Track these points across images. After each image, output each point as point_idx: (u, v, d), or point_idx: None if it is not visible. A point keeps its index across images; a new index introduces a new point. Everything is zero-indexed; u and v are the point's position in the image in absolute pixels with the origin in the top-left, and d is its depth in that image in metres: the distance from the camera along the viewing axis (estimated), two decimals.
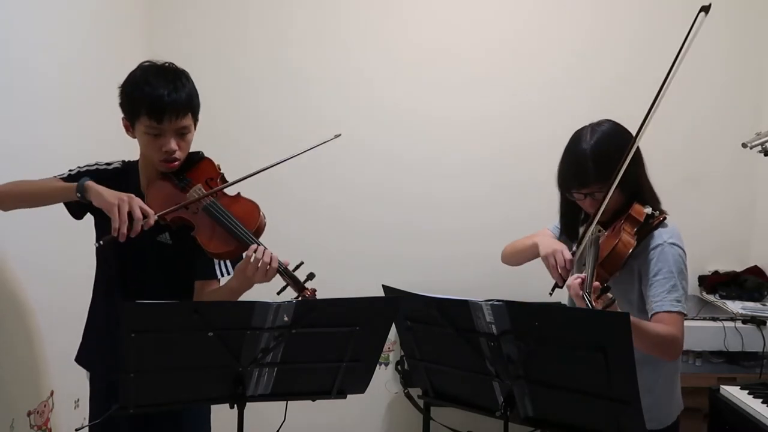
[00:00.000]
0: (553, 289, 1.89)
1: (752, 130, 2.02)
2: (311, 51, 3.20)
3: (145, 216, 1.70)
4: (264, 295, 1.79)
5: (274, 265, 1.76)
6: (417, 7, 3.21)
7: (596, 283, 1.65)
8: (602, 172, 1.83)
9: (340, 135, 1.88)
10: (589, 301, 1.61)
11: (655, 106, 1.81)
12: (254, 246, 1.77)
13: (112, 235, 1.68)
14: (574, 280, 1.72)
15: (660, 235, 1.87)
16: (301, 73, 3.21)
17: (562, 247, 1.93)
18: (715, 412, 2.40)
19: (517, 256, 2.21)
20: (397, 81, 3.21)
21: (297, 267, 1.80)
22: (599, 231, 1.85)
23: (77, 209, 1.91)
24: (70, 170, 1.92)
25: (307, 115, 3.22)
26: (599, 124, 1.94)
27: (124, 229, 1.67)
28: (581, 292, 1.65)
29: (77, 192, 1.74)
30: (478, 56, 3.21)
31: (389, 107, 3.22)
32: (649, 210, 1.86)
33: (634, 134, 1.85)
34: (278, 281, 1.80)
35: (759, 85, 3.24)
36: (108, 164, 1.95)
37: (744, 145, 1.92)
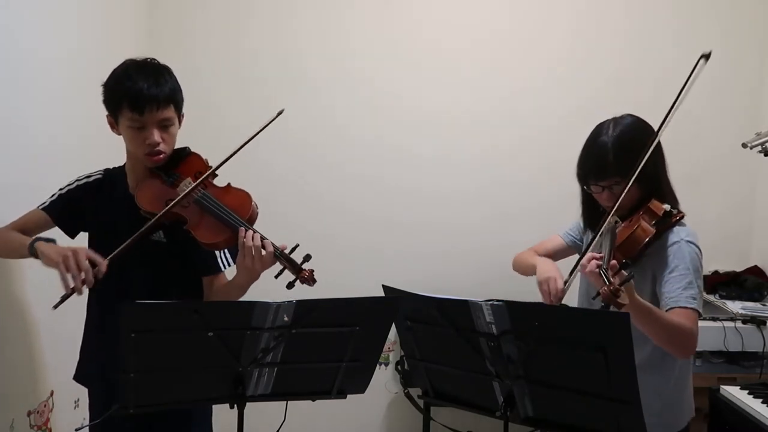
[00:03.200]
0: None
1: (752, 130, 2.02)
2: (315, 49, 3.21)
3: (94, 265, 1.68)
4: (263, 280, 1.81)
5: (269, 249, 1.76)
6: (418, 6, 3.21)
7: (614, 262, 1.65)
8: (622, 165, 1.83)
9: (282, 111, 1.88)
10: (606, 276, 1.59)
11: (676, 105, 1.85)
12: (243, 231, 1.77)
13: (66, 293, 1.66)
14: (589, 258, 1.70)
15: (678, 233, 1.86)
16: (305, 71, 3.21)
17: (556, 275, 1.95)
18: (715, 412, 2.40)
19: (522, 269, 2.25)
20: (401, 78, 3.22)
21: (293, 250, 1.80)
22: (616, 222, 1.84)
23: (70, 229, 1.94)
24: (51, 196, 1.93)
25: (311, 112, 3.22)
26: (622, 117, 1.94)
27: (78, 284, 1.65)
28: (597, 269, 1.63)
29: (29, 252, 1.75)
30: (479, 53, 3.21)
31: (392, 103, 3.23)
32: (667, 207, 1.85)
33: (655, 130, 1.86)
34: (277, 267, 1.80)
35: (759, 84, 3.24)
36: (88, 177, 1.96)
37: (744, 145, 1.92)
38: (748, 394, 2.28)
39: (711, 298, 3.12)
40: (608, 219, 1.81)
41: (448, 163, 3.25)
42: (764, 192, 3.24)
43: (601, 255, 1.70)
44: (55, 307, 1.67)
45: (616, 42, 3.21)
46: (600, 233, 1.82)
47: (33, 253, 1.75)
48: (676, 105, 1.81)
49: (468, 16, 3.20)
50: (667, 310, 1.78)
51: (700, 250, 1.87)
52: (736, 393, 2.30)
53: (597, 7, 3.20)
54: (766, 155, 1.89)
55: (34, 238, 1.78)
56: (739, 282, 3.13)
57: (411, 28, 3.21)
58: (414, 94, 3.22)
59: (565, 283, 1.91)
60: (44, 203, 1.92)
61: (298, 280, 1.77)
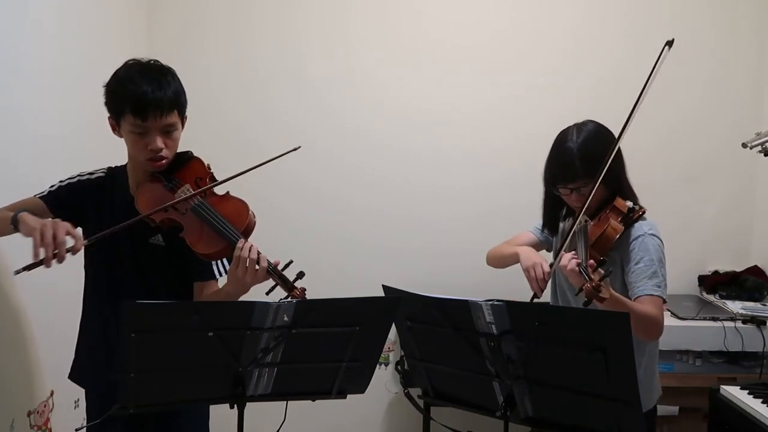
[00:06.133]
0: (531, 299, 2.01)
1: (752, 129, 2.02)
2: (317, 49, 3.21)
3: (74, 241, 1.62)
4: (254, 297, 1.77)
5: (263, 264, 1.74)
6: (419, 7, 3.22)
7: (591, 261, 1.76)
8: (588, 168, 1.96)
9: (299, 147, 1.87)
10: (587, 274, 1.71)
11: (632, 114, 1.98)
12: (241, 243, 1.75)
13: (33, 261, 1.57)
14: (569, 258, 1.82)
15: (640, 227, 1.99)
16: (307, 71, 3.22)
17: (541, 260, 2.08)
18: (715, 412, 2.40)
19: (499, 261, 2.36)
20: (402, 77, 3.22)
21: (286, 266, 1.78)
22: (586, 221, 1.96)
23: (66, 220, 1.89)
24: (51, 186, 1.90)
25: (315, 111, 3.23)
26: (584, 124, 2.06)
27: (49, 255, 1.57)
28: (577, 268, 1.76)
29: (11, 224, 1.69)
30: (478, 53, 3.21)
31: (393, 102, 3.23)
32: (630, 204, 1.99)
33: (616, 134, 1.99)
34: (269, 282, 1.78)
35: (759, 84, 3.24)
36: (91, 174, 1.93)
37: (744, 145, 1.93)
38: (748, 394, 2.28)
39: (711, 298, 3.12)
40: (578, 219, 1.94)
41: (449, 161, 3.26)
42: (764, 192, 3.24)
43: (577, 255, 1.83)
44: (17, 272, 1.59)
45: (616, 43, 3.21)
46: (572, 233, 1.94)
47: (15, 223, 1.68)
48: (641, 97, 1.96)
49: (469, 17, 3.20)
50: (634, 298, 1.91)
51: (662, 241, 2.00)
52: (736, 393, 2.30)
53: (596, 8, 3.20)
54: (766, 155, 1.90)
55: (19, 209, 1.73)
56: (739, 282, 3.13)
57: (412, 28, 3.21)
58: (415, 93, 3.22)
59: (551, 265, 2.03)
60: (42, 192, 1.89)
61: (289, 298, 1.75)
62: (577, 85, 3.19)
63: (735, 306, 2.96)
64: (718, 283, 3.16)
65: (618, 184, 2.03)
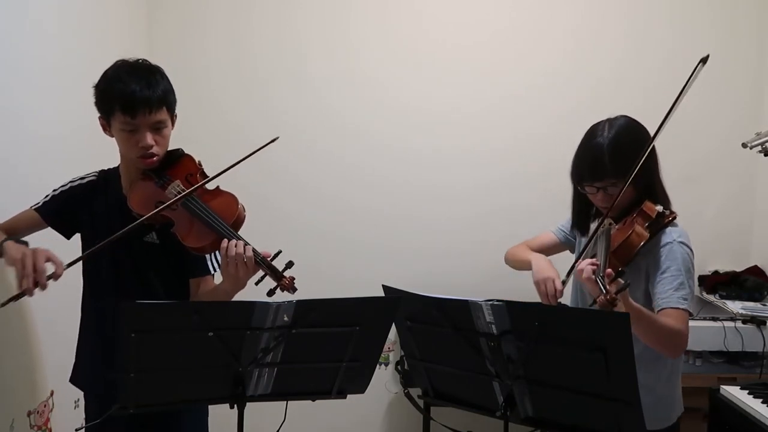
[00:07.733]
0: None
1: (752, 129, 2.02)
2: (317, 49, 3.21)
3: (54, 267, 1.65)
4: (248, 291, 1.79)
5: (249, 254, 1.74)
6: (420, 7, 3.22)
7: (609, 270, 1.65)
8: (618, 166, 1.83)
9: (277, 138, 1.85)
10: (603, 285, 1.60)
11: (673, 110, 1.83)
12: (225, 241, 1.75)
13: (18, 292, 1.62)
14: (587, 264, 1.70)
15: (670, 234, 1.88)
16: (307, 71, 3.22)
17: (554, 275, 1.96)
18: (715, 412, 2.40)
19: (515, 264, 2.28)
20: (402, 77, 3.22)
21: (275, 256, 1.78)
22: (610, 224, 1.85)
23: (64, 229, 1.93)
24: (45, 196, 1.93)
25: (315, 111, 3.23)
26: (616, 118, 1.94)
27: (30, 285, 1.60)
28: (594, 276, 1.65)
29: None
30: (478, 53, 3.21)
31: (393, 102, 3.23)
32: (660, 208, 1.87)
33: (651, 132, 1.87)
34: (259, 274, 1.78)
35: (759, 84, 3.24)
36: (83, 178, 1.95)
37: (744, 145, 1.92)
38: (748, 394, 2.28)
39: (711, 298, 3.12)
40: (603, 222, 1.83)
41: (449, 161, 3.25)
42: (764, 192, 3.24)
43: (596, 261, 1.71)
44: (3, 304, 1.62)
45: (616, 43, 3.21)
46: (595, 236, 1.83)
47: (1, 251, 1.72)
48: (673, 109, 1.81)
49: (469, 17, 3.20)
50: (659, 310, 1.81)
51: (691, 250, 1.88)
52: (736, 393, 2.30)
53: (596, 8, 3.20)
54: (766, 155, 1.89)
55: (5, 237, 1.77)
56: (739, 282, 3.13)
57: (412, 28, 3.21)
58: (415, 93, 3.22)
59: (563, 283, 1.93)
60: (37, 203, 1.92)
61: (279, 288, 1.76)
62: (577, 85, 3.19)
63: (735, 306, 2.96)
64: (718, 283, 3.15)
65: (650, 187, 1.91)
